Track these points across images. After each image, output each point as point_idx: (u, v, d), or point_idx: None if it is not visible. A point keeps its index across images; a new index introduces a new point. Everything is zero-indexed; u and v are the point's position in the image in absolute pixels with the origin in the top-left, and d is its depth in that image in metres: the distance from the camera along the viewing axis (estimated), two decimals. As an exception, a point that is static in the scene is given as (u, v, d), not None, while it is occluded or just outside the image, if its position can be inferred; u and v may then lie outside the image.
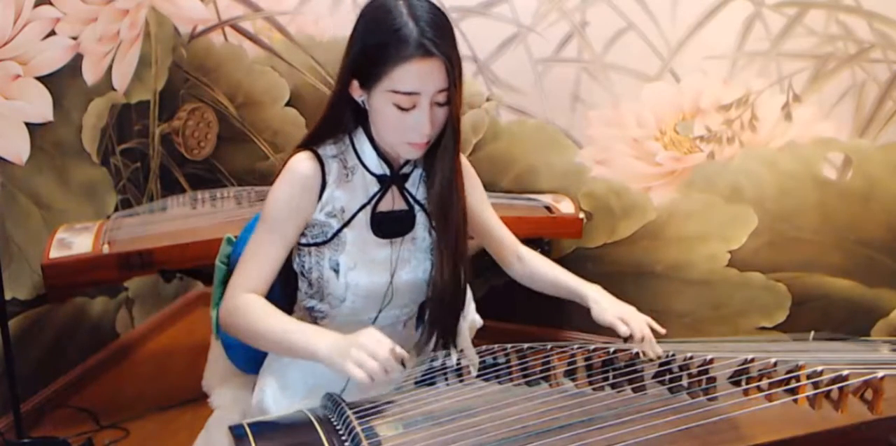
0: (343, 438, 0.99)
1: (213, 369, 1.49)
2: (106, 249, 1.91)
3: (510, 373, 1.16)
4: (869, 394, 1.10)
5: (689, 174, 2.35)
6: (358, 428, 0.99)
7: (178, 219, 2.12)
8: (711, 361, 1.14)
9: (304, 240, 1.27)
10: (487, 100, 2.44)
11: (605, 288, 1.34)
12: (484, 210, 1.42)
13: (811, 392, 1.09)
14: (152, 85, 2.62)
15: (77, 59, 2.21)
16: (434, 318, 1.30)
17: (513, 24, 2.35)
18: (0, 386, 1.94)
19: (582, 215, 2.36)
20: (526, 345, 1.21)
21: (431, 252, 1.31)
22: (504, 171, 2.49)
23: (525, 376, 1.15)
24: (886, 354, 1.41)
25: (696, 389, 1.12)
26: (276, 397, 1.26)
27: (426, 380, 1.15)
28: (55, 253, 1.90)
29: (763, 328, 2.42)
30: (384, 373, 1.02)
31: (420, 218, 1.31)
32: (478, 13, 2.36)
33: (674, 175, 2.37)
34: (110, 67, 2.37)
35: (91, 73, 2.28)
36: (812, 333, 1.71)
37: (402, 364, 1.05)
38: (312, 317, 1.35)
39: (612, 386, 1.14)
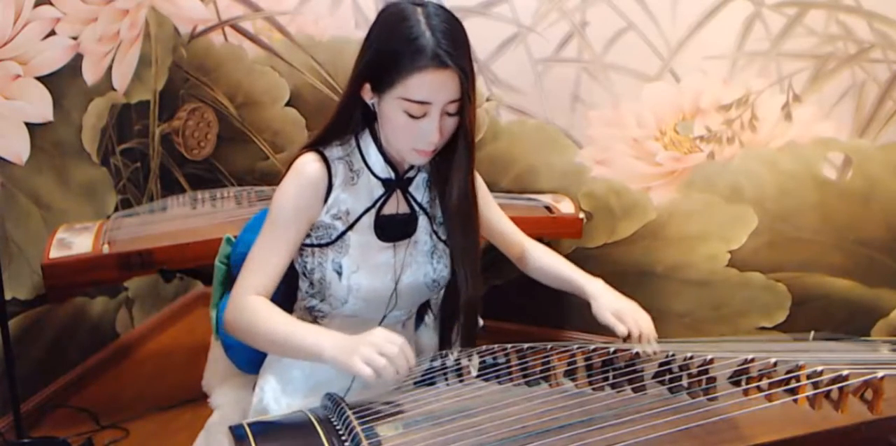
0: (343, 438, 0.99)
1: (213, 369, 1.49)
2: (106, 249, 1.92)
3: (510, 373, 1.16)
4: (869, 394, 1.10)
5: (689, 174, 2.35)
6: (358, 429, 0.99)
7: (178, 219, 2.12)
8: (711, 361, 1.14)
9: (307, 241, 1.27)
10: (487, 100, 2.44)
11: (606, 288, 1.34)
12: (489, 209, 1.42)
13: (811, 392, 1.09)
14: (152, 85, 2.62)
15: (77, 59, 2.21)
16: (462, 325, 1.31)
17: (513, 24, 2.35)
18: (0, 386, 1.94)
19: (582, 215, 2.36)
20: (526, 345, 1.20)
21: (432, 255, 1.31)
22: (504, 171, 2.49)
23: (525, 376, 1.15)
24: (886, 354, 1.40)
25: (696, 389, 1.12)
26: (276, 397, 1.27)
27: (426, 380, 1.15)
28: (55, 253, 1.91)
29: (763, 328, 2.42)
30: (393, 371, 1.02)
31: (422, 221, 1.31)
32: (478, 13, 2.36)
33: (674, 175, 2.37)
34: (110, 67, 2.37)
35: (91, 73, 2.28)
36: (812, 333, 1.71)
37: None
38: (312, 316, 1.35)
39: (612, 386, 1.13)
